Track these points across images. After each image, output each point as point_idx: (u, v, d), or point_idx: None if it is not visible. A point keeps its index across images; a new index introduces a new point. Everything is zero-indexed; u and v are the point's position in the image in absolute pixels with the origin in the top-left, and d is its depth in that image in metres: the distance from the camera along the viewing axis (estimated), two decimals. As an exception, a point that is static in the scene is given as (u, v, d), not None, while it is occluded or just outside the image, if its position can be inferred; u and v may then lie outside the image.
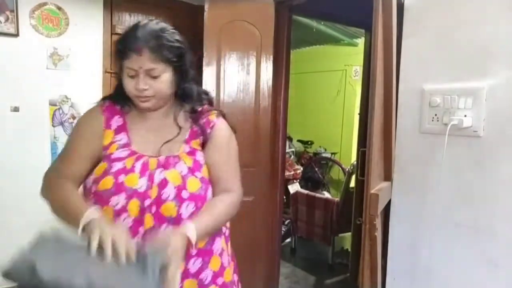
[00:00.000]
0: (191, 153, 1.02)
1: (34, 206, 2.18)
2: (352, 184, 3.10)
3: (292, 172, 4.31)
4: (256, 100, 2.22)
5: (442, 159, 1.38)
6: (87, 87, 2.30)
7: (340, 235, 3.33)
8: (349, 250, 3.08)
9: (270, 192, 2.39)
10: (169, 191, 0.95)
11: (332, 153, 5.52)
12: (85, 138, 1.04)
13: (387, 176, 1.61)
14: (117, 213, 0.94)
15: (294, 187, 4.06)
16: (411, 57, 1.54)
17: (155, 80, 0.96)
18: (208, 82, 2.14)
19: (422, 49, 1.50)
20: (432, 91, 1.45)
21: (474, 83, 1.34)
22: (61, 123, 2.24)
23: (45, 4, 2.14)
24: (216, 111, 1.10)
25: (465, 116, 1.35)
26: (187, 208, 0.96)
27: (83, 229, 0.87)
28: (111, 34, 2.36)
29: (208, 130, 1.05)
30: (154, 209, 0.94)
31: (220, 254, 1.08)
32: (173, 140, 1.02)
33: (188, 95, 1.05)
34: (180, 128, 1.03)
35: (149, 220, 0.94)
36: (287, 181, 4.03)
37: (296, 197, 3.53)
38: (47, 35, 2.15)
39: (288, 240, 3.67)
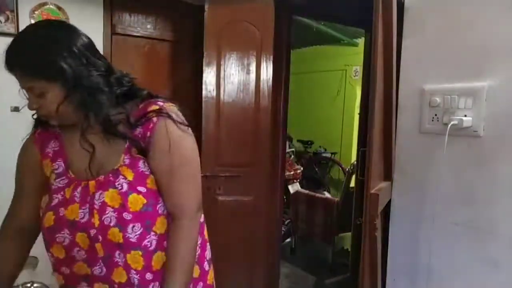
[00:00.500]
0: (132, 164, 0.88)
1: (34, 206, 2.18)
2: (352, 184, 3.10)
3: (292, 172, 4.31)
4: (256, 100, 2.22)
5: (442, 159, 1.38)
6: (87, 87, 2.30)
7: (340, 235, 3.33)
8: (349, 250, 3.08)
9: (270, 192, 2.39)
10: (110, 216, 0.84)
11: (332, 153, 5.52)
12: (26, 174, 0.99)
13: (387, 176, 1.61)
14: (68, 248, 0.87)
15: (294, 187, 4.06)
16: (411, 57, 1.54)
17: (42, 98, 0.84)
18: (208, 82, 2.14)
19: (422, 49, 1.50)
20: (432, 91, 1.45)
21: (474, 83, 1.34)
22: (61, 123, 2.24)
23: (45, 4, 2.13)
24: (156, 108, 0.89)
25: (465, 116, 1.35)
26: (133, 231, 0.85)
27: None
28: (111, 34, 2.36)
29: (148, 134, 0.87)
30: (100, 238, 0.85)
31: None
32: (111, 152, 0.88)
33: (100, 109, 0.85)
34: (115, 139, 0.87)
35: (100, 250, 0.86)
36: (287, 181, 4.03)
37: (296, 197, 3.53)
38: (47, 35, 2.15)
39: (288, 240, 3.67)
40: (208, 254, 1.08)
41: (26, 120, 2.23)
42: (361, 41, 4.26)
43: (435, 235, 1.46)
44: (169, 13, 2.54)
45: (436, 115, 1.44)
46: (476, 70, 1.34)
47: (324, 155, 5.51)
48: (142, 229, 0.87)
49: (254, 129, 2.21)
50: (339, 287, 2.99)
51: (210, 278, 1.08)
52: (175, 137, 0.89)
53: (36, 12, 2.11)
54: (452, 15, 1.41)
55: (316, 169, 5.27)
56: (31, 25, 0.94)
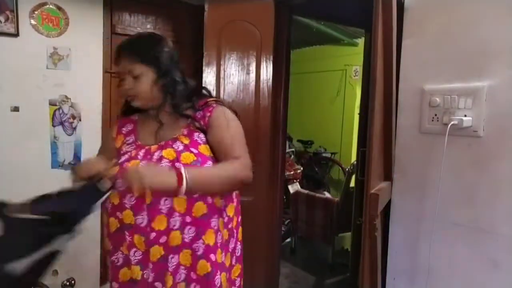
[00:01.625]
0: (189, 134, 1.13)
1: (34, 206, 2.18)
2: (352, 184, 3.10)
3: (292, 172, 4.31)
4: (256, 100, 2.22)
5: (442, 159, 1.38)
6: (87, 87, 2.30)
7: (340, 235, 3.33)
8: (349, 250, 3.08)
9: (270, 192, 2.39)
10: (164, 164, 1.06)
11: (332, 153, 5.52)
12: (108, 140, 1.26)
13: (387, 176, 1.61)
14: (122, 195, 1.08)
15: (294, 187, 4.06)
16: (411, 57, 1.54)
17: (137, 81, 1.10)
18: (208, 82, 2.14)
19: (422, 49, 1.50)
20: (432, 91, 1.45)
21: (474, 83, 1.34)
22: (61, 123, 2.23)
23: (45, 4, 2.13)
24: (213, 100, 1.21)
25: (465, 116, 1.35)
26: None
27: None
28: (111, 34, 2.36)
29: (208, 114, 1.16)
30: None
31: (216, 232, 1.14)
32: (174, 128, 1.15)
33: (176, 95, 1.14)
34: (179, 120, 1.16)
35: (149, 197, 1.06)
36: (287, 181, 4.03)
37: (296, 197, 3.53)
38: (47, 35, 2.15)
39: (288, 240, 3.67)
40: (237, 252, 1.28)
41: (26, 120, 2.25)
42: (361, 41, 4.26)
43: (435, 235, 1.46)
44: (169, 13, 2.54)
45: (436, 115, 1.44)
46: (476, 70, 1.34)
47: (324, 155, 5.52)
48: None
49: (254, 129, 2.21)
50: (339, 287, 2.99)
51: (234, 274, 1.24)
52: (230, 118, 1.18)
53: (36, 12, 2.11)
54: (452, 15, 1.41)
55: (316, 169, 5.27)
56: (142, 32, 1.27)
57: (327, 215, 3.25)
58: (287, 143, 4.33)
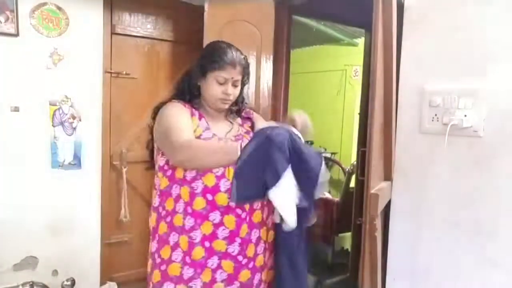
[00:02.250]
0: (247, 132, 1.38)
1: (35, 205, 2.19)
2: (352, 184, 3.10)
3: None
4: (256, 100, 2.22)
5: (442, 159, 1.38)
6: (87, 87, 2.30)
7: (340, 235, 3.32)
8: (349, 250, 3.08)
9: (270, 192, 2.38)
10: None
11: (332, 153, 5.51)
12: (186, 117, 1.27)
13: (387, 176, 1.61)
14: (218, 178, 1.21)
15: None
16: (411, 57, 1.54)
17: (235, 88, 1.31)
18: (208, 82, 2.14)
19: (422, 49, 1.50)
20: (432, 91, 1.45)
21: (474, 83, 1.34)
22: (61, 123, 2.24)
23: (45, 4, 2.13)
24: (248, 107, 1.52)
25: (465, 116, 1.35)
26: None
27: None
28: (111, 34, 2.36)
29: (251, 116, 1.47)
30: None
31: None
32: (233, 128, 1.37)
33: (241, 101, 1.43)
34: (231, 121, 1.39)
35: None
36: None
37: (296, 197, 3.52)
38: (47, 35, 2.15)
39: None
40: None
41: (26, 120, 2.25)
42: (361, 41, 4.26)
43: (435, 235, 1.46)
44: (169, 13, 2.54)
45: (436, 115, 1.44)
46: (476, 70, 1.34)
47: (324, 155, 5.51)
48: None
49: (254, 129, 2.21)
50: (339, 287, 2.99)
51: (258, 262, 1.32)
52: (263, 120, 1.52)
53: (36, 12, 2.11)
54: (452, 15, 1.41)
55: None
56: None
57: (327, 215, 3.25)
58: (287, 143, 4.31)
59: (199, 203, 1.21)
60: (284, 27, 2.36)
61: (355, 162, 3.23)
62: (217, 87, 1.28)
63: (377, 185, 1.45)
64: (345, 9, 2.58)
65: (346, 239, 3.41)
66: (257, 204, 1.26)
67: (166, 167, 1.27)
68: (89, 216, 2.37)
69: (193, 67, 1.34)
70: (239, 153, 1.12)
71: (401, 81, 1.56)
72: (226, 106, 1.34)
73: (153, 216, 1.32)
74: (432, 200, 1.46)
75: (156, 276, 1.27)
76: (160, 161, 1.29)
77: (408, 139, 1.55)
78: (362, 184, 1.68)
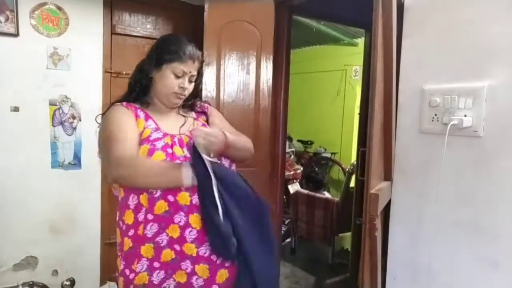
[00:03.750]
0: (204, 125, 1.34)
1: (35, 205, 2.19)
2: (352, 184, 3.10)
3: (292, 172, 4.31)
4: (256, 100, 2.22)
5: (442, 159, 1.38)
6: (87, 87, 2.30)
7: (340, 235, 3.33)
8: (349, 250, 3.08)
9: (270, 192, 2.39)
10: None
11: (332, 153, 5.52)
12: (129, 125, 1.18)
13: (387, 176, 1.61)
14: None
15: (294, 187, 4.06)
16: (411, 57, 1.54)
17: (190, 84, 1.26)
18: (208, 82, 2.14)
19: (422, 49, 1.50)
20: (432, 91, 1.45)
21: (474, 83, 1.34)
22: (61, 123, 2.24)
23: (45, 4, 2.14)
24: (203, 101, 1.46)
25: (465, 116, 1.35)
26: (223, 160, 1.27)
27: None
28: (111, 34, 2.36)
29: (206, 110, 1.41)
30: None
31: None
32: (187, 122, 1.31)
33: (194, 97, 1.37)
34: (184, 115, 1.33)
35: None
36: (287, 181, 4.03)
37: (296, 197, 3.53)
38: (47, 35, 2.15)
39: (288, 240, 3.67)
40: None
41: (26, 120, 2.24)
42: (361, 41, 4.26)
43: (435, 235, 1.46)
44: (169, 13, 2.54)
45: (436, 115, 1.44)
46: (476, 70, 1.34)
47: (324, 155, 5.51)
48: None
49: (254, 129, 2.21)
50: (339, 287, 2.99)
51: None
52: (220, 113, 1.47)
53: (36, 12, 2.11)
54: (452, 15, 1.41)
55: (316, 169, 5.27)
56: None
57: (327, 215, 3.25)
58: (287, 143, 4.33)
59: (161, 207, 1.14)
60: (284, 27, 2.36)
61: (355, 162, 3.23)
62: (173, 80, 1.21)
63: (377, 185, 1.45)
64: (345, 9, 2.59)
65: (346, 239, 3.41)
66: None
67: None
68: (89, 216, 2.37)
69: (142, 61, 1.28)
70: (186, 182, 1.08)
71: (401, 81, 1.56)
72: (179, 102, 1.28)
73: (118, 233, 1.24)
74: (432, 200, 1.46)
75: None
76: None
77: (408, 139, 1.55)
78: (362, 184, 1.68)
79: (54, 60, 2.18)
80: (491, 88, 1.30)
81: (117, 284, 1.31)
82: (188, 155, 1.17)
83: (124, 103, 1.24)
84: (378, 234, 1.44)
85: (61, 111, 2.23)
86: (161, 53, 1.22)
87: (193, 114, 1.37)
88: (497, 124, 1.30)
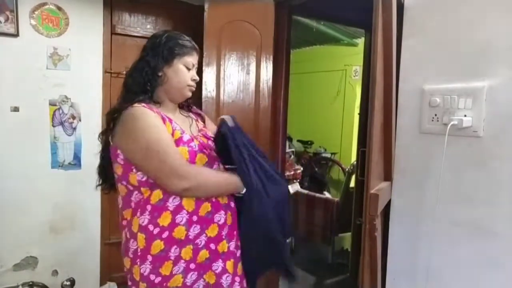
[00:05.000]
0: (204, 127, 1.37)
1: (35, 206, 2.19)
2: (352, 184, 3.10)
3: (292, 172, 4.31)
4: (256, 100, 2.22)
5: (442, 159, 1.38)
6: (87, 87, 2.30)
7: (340, 235, 3.32)
8: (349, 250, 3.08)
9: (270, 192, 2.38)
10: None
11: (332, 153, 5.52)
12: (164, 129, 1.14)
13: (387, 176, 1.61)
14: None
15: (294, 187, 4.06)
16: (411, 57, 1.54)
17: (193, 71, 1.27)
18: (208, 82, 2.14)
19: (422, 49, 1.50)
20: (432, 91, 1.45)
21: (474, 83, 1.34)
22: (61, 123, 2.24)
23: (45, 4, 2.14)
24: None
25: (465, 116, 1.35)
26: None
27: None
28: (111, 34, 2.36)
29: (201, 112, 1.44)
30: (220, 167, 1.24)
31: None
32: (192, 123, 1.32)
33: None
34: (185, 116, 1.33)
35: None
36: (287, 181, 4.02)
37: (296, 197, 3.53)
38: (47, 35, 2.15)
39: (288, 240, 3.66)
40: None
41: (26, 120, 2.24)
42: (361, 41, 4.26)
43: (435, 235, 1.46)
44: (169, 13, 2.54)
45: (436, 115, 1.44)
46: (476, 70, 1.34)
47: (324, 155, 5.51)
48: None
49: (254, 129, 2.21)
50: (339, 287, 2.99)
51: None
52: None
53: (36, 12, 2.11)
54: (452, 15, 1.41)
55: (316, 169, 5.27)
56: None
57: (327, 215, 3.25)
58: (287, 143, 4.33)
59: (205, 208, 1.17)
60: (284, 27, 2.36)
61: (355, 162, 3.23)
62: (187, 73, 1.22)
63: (377, 185, 1.45)
64: (345, 9, 2.59)
65: (346, 239, 3.41)
66: None
67: (150, 180, 1.12)
68: (89, 216, 2.37)
69: (146, 60, 1.21)
70: (242, 188, 1.17)
71: (401, 81, 1.56)
72: (190, 94, 1.28)
73: (140, 238, 1.12)
74: (432, 200, 1.46)
75: None
76: (137, 176, 1.12)
77: (408, 139, 1.55)
78: (362, 184, 1.68)
79: (54, 60, 2.18)
80: (491, 88, 1.30)
81: (117, 285, 1.30)
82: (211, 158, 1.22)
83: (145, 105, 1.15)
84: (378, 234, 1.44)
85: (61, 111, 2.23)
86: (171, 48, 1.20)
87: (192, 115, 1.37)
88: (497, 124, 1.30)
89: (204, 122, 1.40)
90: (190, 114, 1.37)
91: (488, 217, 1.33)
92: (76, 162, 2.28)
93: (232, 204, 1.25)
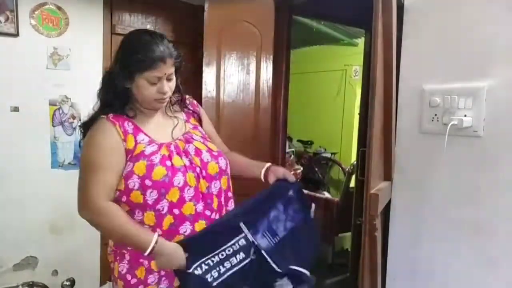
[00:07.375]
0: (195, 127, 1.30)
1: (35, 205, 2.18)
2: (352, 184, 3.10)
3: (292, 172, 4.30)
4: (256, 100, 2.22)
5: (442, 159, 1.38)
6: (87, 87, 2.29)
7: (340, 235, 3.32)
8: (349, 250, 3.08)
9: (270, 192, 2.38)
10: (206, 155, 1.21)
11: (332, 153, 5.51)
12: (111, 153, 1.11)
13: (387, 176, 1.61)
14: (181, 190, 1.12)
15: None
16: (411, 57, 1.54)
17: (170, 82, 1.17)
18: (208, 82, 2.14)
19: (422, 49, 1.50)
20: (432, 91, 1.45)
21: (474, 83, 1.34)
22: (61, 123, 2.24)
23: (45, 4, 2.13)
24: (190, 97, 1.38)
25: (465, 116, 1.35)
26: (221, 162, 1.24)
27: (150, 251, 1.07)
28: (111, 34, 2.36)
29: (197, 109, 1.36)
30: (204, 172, 1.18)
31: None
32: (178, 125, 1.25)
33: (178, 90, 1.28)
34: (171, 116, 1.27)
35: (202, 184, 1.17)
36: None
37: (296, 197, 3.52)
38: (47, 35, 2.15)
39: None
40: None
41: (26, 120, 2.24)
42: (361, 41, 4.26)
43: (435, 235, 1.46)
44: (169, 13, 2.54)
45: (436, 115, 1.44)
46: (476, 70, 1.34)
47: (324, 155, 5.51)
48: (225, 160, 1.27)
49: (254, 129, 2.21)
50: (339, 287, 2.99)
51: None
52: (206, 115, 1.43)
53: (36, 12, 2.11)
54: (452, 15, 1.41)
55: (316, 169, 5.26)
56: (155, 32, 1.23)
57: (327, 215, 3.25)
58: (287, 143, 4.33)
59: (167, 222, 1.12)
60: (284, 27, 2.36)
61: (355, 162, 3.23)
62: (150, 88, 1.12)
63: (377, 185, 1.45)
64: (345, 9, 2.58)
65: (346, 239, 3.41)
66: (218, 202, 1.22)
67: (117, 193, 1.12)
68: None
69: (115, 68, 1.15)
70: (147, 252, 1.06)
71: (401, 81, 1.56)
72: (164, 104, 1.20)
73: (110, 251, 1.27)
74: (432, 200, 1.46)
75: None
76: None
77: (408, 139, 1.55)
78: (362, 184, 1.67)
79: (54, 60, 2.18)
80: (491, 88, 1.30)
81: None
82: (188, 164, 1.16)
83: (111, 116, 1.14)
84: (378, 234, 1.44)
85: (61, 111, 2.23)
86: (129, 62, 1.10)
87: (184, 116, 1.31)
88: (497, 124, 1.30)
89: (200, 118, 1.35)
90: (180, 114, 1.30)
91: (488, 217, 1.33)
92: (76, 162, 2.28)
93: (211, 214, 1.19)
